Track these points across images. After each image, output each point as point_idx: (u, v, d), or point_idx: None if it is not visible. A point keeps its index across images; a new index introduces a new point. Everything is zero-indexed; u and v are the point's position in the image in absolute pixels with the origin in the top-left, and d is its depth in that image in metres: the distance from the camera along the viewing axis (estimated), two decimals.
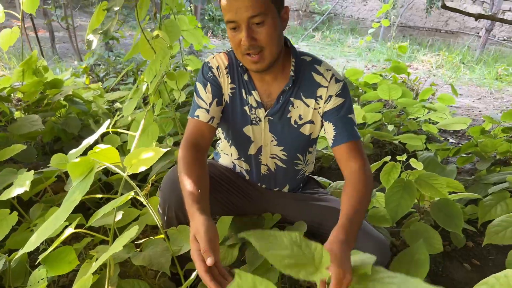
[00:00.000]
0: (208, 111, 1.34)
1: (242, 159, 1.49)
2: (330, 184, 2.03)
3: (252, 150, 1.45)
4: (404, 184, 1.78)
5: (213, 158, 1.71)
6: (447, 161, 3.02)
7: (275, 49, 1.21)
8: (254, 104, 1.35)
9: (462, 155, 2.75)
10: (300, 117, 1.36)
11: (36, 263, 1.34)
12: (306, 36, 9.84)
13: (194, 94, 1.40)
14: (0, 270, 1.39)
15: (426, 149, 2.83)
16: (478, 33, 8.31)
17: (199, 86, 1.38)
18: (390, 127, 2.99)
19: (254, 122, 1.38)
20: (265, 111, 1.36)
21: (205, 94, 1.35)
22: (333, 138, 1.31)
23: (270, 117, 1.36)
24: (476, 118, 4.20)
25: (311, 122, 1.37)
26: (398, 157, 1.92)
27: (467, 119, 2.69)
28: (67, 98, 2.44)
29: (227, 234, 1.57)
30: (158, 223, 1.26)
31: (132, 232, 1.11)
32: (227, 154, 1.54)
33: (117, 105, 3.10)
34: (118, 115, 2.06)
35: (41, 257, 1.27)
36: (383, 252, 1.31)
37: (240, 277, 0.60)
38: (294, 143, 1.41)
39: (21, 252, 1.12)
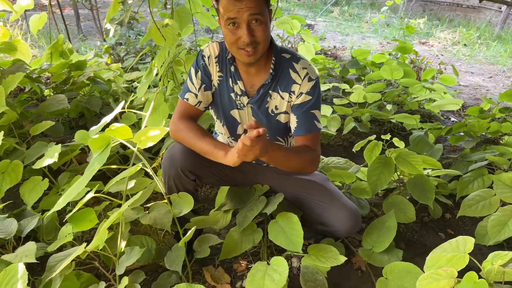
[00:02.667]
0: (196, 95, 1.58)
1: (233, 138, 1.72)
2: (322, 159, 2.25)
3: (240, 131, 1.68)
4: (385, 161, 1.98)
5: None
6: (445, 139, 3.17)
7: (266, 46, 1.42)
8: (239, 92, 1.57)
9: (460, 133, 2.91)
10: (276, 108, 1.57)
11: (64, 221, 1.63)
12: (325, 11, 9.82)
13: (187, 76, 1.63)
14: (34, 226, 1.70)
15: (422, 127, 2.99)
16: (500, 8, 8.15)
17: (192, 71, 1.60)
18: (389, 107, 3.15)
19: (239, 107, 1.60)
20: (248, 98, 1.57)
21: (195, 80, 1.58)
22: (294, 129, 1.55)
23: (251, 105, 1.58)
24: (481, 98, 4.28)
25: (285, 112, 1.58)
26: (382, 136, 2.12)
27: (460, 100, 2.84)
28: (90, 78, 2.72)
29: (223, 202, 1.83)
30: (162, 190, 1.52)
31: (137, 196, 1.38)
32: (221, 133, 1.77)
33: (135, 83, 3.36)
34: (133, 96, 2.31)
35: (67, 216, 1.55)
36: (354, 219, 1.61)
37: None
38: (273, 128, 1.63)
39: (51, 210, 1.41)
